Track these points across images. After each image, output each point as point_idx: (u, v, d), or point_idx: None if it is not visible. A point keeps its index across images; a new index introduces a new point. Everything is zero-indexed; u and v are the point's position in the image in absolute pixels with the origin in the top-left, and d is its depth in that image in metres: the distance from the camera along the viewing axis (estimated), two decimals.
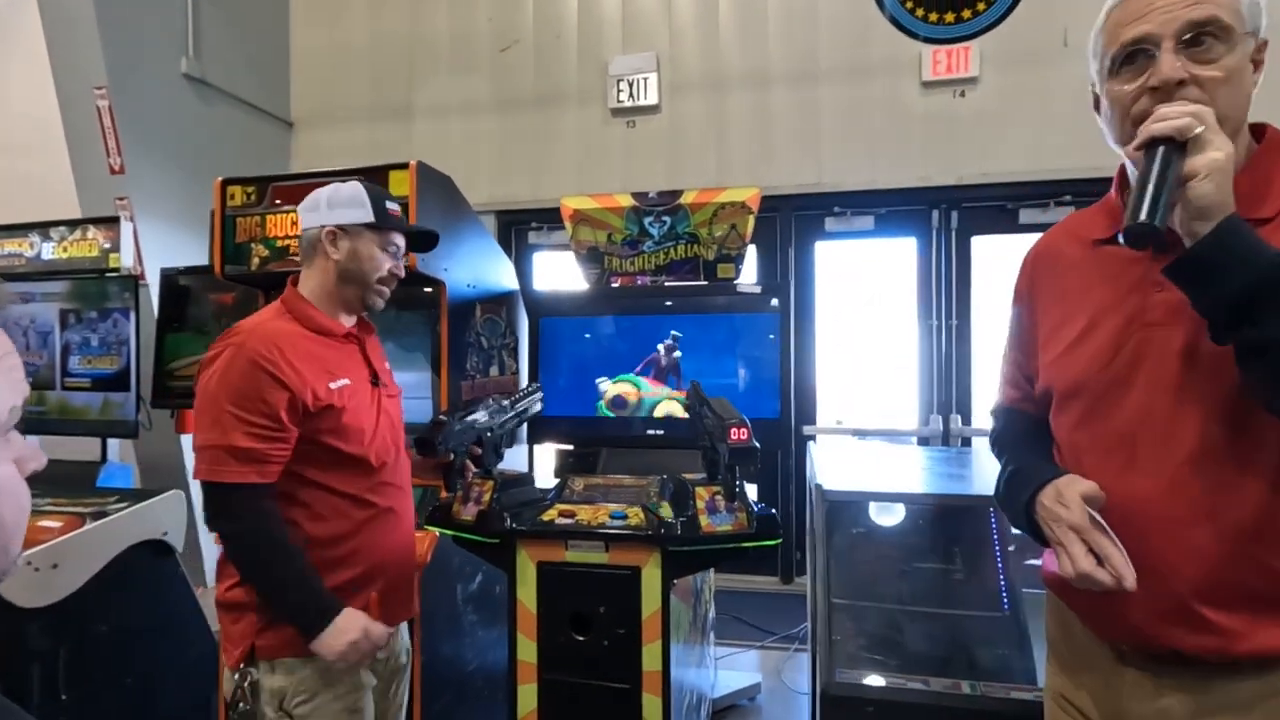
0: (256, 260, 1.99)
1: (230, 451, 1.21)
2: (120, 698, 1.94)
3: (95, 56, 3.24)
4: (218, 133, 3.91)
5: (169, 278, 2.74)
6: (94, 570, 1.85)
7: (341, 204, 1.41)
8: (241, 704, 1.27)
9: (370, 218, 1.40)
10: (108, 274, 2.78)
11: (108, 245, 2.81)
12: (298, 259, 1.98)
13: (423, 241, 1.57)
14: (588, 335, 2.20)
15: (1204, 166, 0.71)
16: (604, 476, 1.92)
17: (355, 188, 1.43)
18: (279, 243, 1.97)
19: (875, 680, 1.25)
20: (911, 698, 1.22)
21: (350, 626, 1.26)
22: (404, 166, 1.88)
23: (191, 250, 3.35)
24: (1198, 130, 0.72)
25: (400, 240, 1.47)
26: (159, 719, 2.03)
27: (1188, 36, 0.79)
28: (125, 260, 2.80)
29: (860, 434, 3.92)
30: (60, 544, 1.78)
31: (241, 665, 1.28)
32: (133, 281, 2.71)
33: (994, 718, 1.22)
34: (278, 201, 1.97)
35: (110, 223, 2.81)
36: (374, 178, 1.91)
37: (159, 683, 2.04)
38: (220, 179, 2.02)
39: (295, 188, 1.98)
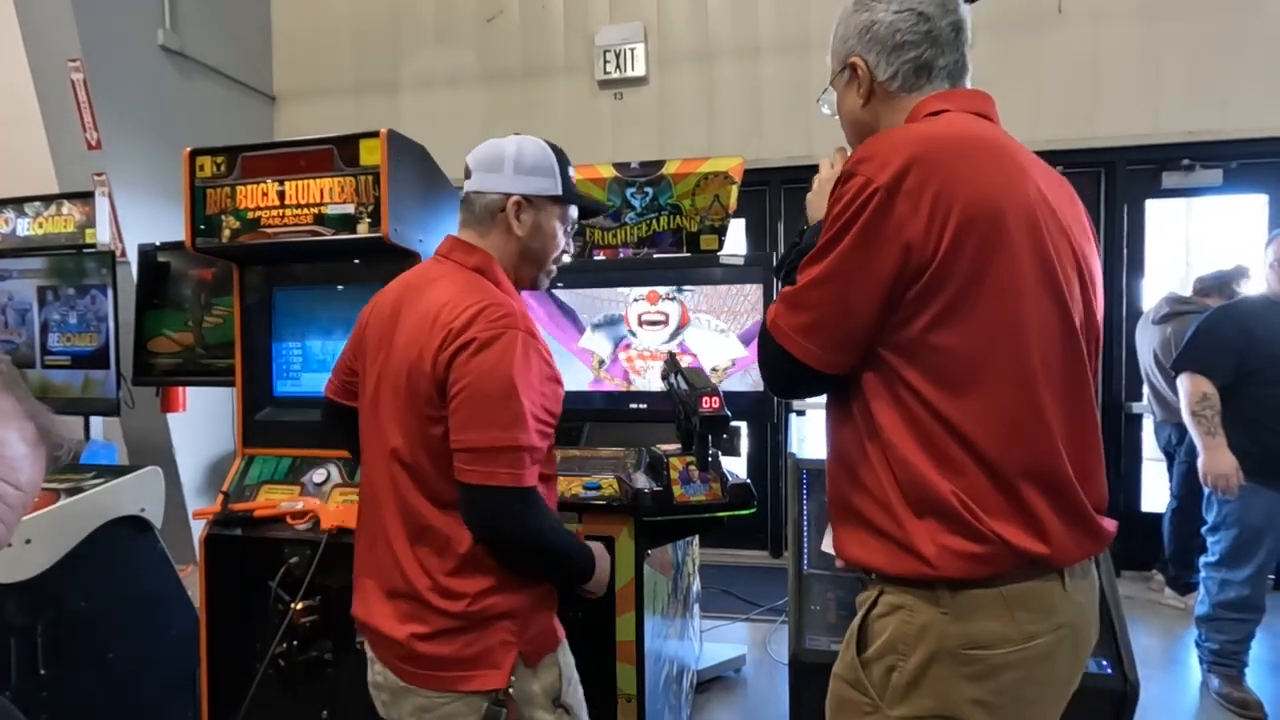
0: (228, 232, 1.95)
1: (531, 453, 1.07)
2: (102, 673, 1.94)
3: (68, 27, 3.16)
4: (198, 107, 3.84)
5: (146, 254, 2.71)
6: (69, 546, 1.84)
7: (528, 170, 1.23)
8: None
9: (558, 190, 1.24)
10: (85, 250, 2.75)
11: (84, 221, 2.78)
12: (268, 231, 1.97)
13: (588, 215, 1.43)
14: (568, 307, 2.17)
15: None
16: (582, 449, 1.91)
17: (542, 149, 1.25)
18: (249, 214, 1.93)
19: None
20: None
21: (599, 552, 1.23)
22: (374, 135, 1.83)
23: (173, 227, 3.28)
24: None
25: (575, 214, 1.30)
26: (142, 695, 2.04)
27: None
28: (101, 236, 2.76)
29: None
30: (33, 519, 1.76)
31: (512, 678, 1.08)
32: (110, 257, 2.68)
33: None
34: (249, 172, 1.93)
35: (85, 198, 2.78)
36: (345, 147, 1.87)
37: (142, 659, 2.04)
38: (189, 149, 1.98)
39: (265, 158, 1.94)
